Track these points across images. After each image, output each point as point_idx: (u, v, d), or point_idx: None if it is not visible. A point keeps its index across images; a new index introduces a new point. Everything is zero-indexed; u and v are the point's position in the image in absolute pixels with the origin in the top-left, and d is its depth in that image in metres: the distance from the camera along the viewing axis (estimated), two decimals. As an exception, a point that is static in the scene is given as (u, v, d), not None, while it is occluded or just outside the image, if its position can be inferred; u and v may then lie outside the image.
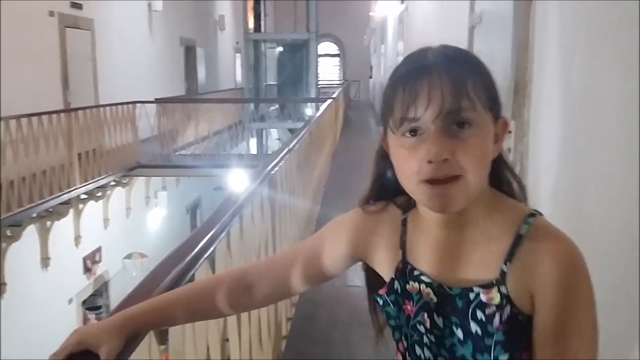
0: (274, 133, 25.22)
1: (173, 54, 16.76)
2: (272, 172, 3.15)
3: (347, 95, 22.40)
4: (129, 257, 11.07)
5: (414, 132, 0.86)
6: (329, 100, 10.21)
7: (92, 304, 10.19)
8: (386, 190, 1.01)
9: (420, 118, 0.84)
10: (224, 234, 1.87)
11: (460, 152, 0.83)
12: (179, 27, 17.24)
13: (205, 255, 1.59)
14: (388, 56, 16.33)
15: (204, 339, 1.77)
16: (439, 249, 0.93)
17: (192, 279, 1.42)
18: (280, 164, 3.50)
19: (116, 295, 10.97)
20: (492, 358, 0.85)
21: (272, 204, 3.17)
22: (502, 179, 0.96)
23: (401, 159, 0.88)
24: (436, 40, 1.11)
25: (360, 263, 1.07)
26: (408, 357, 0.96)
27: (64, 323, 9.19)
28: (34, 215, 7.60)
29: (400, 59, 0.98)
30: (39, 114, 7.71)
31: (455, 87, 0.83)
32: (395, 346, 1.00)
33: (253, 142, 20.60)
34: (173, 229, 14.13)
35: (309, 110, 23.35)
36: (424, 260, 0.94)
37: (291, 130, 24.13)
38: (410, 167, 0.86)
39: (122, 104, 10.34)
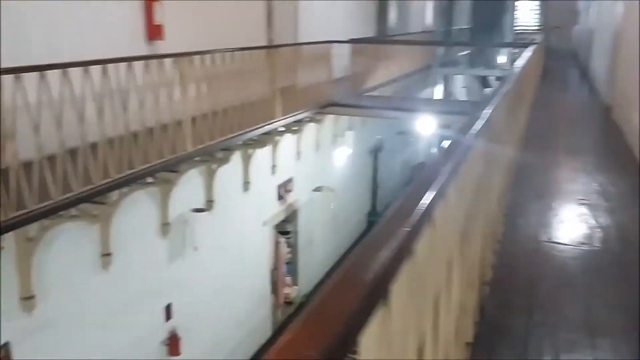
0: (459, 81, 24.32)
1: (368, -5, 16.76)
2: (485, 120, 3.05)
3: (546, 43, 20.60)
4: (318, 189, 11.71)
5: None
6: (532, 46, 9.47)
7: (282, 228, 11.08)
8: None
9: None
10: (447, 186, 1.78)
11: None
12: (376, -33, 17.10)
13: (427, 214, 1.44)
14: (604, 0, 14.56)
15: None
16: None
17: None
18: (492, 112, 3.37)
19: (304, 223, 11.78)
20: None
21: (486, 152, 3.10)
22: None
23: None
24: None
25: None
26: None
27: (259, 241, 10.17)
28: (240, 142, 8.35)
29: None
30: (247, 49, 8.26)
31: None
32: None
33: (439, 88, 20.09)
34: (356, 168, 14.60)
35: (501, 58, 21.99)
36: None
37: (484, 79, 23.07)
38: None
39: (319, 42, 10.69)
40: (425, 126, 12.36)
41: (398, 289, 1.20)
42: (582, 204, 5.47)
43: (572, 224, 5.19)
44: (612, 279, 4.33)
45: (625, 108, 8.37)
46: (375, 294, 1.05)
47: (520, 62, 7.16)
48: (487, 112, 3.08)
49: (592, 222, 5.09)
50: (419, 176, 1.85)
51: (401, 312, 1.28)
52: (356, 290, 0.99)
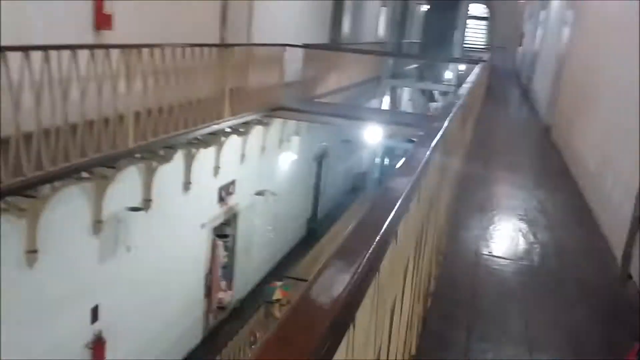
0: (406, 93, 24.79)
1: (322, 2, 16.80)
2: (443, 132, 3.03)
3: (491, 62, 21.33)
4: (260, 193, 11.55)
5: None
6: (481, 64, 9.72)
7: (221, 231, 10.83)
8: None
9: None
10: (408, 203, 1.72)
11: None
12: (331, -25, 17.17)
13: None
14: (549, 25, 15.16)
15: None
16: None
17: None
18: (446, 125, 3.36)
19: (243, 227, 11.58)
20: None
21: (441, 164, 3.08)
22: None
23: None
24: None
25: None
26: None
27: (195, 244, 9.90)
28: (185, 141, 8.10)
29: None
30: (199, 45, 8.06)
31: None
32: None
33: (387, 99, 20.37)
34: (300, 174, 14.52)
35: (448, 74, 22.56)
36: None
37: (430, 93, 23.53)
38: None
39: (273, 45, 10.57)
40: (371, 135, 12.46)
41: (363, 309, 1.12)
42: (522, 219, 5.60)
43: (512, 239, 5.30)
44: (549, 295, 4.43)
45: (565, 129, 8.71)
46: (343, 319, 0.96)
47: (471, 78, 7.30)
48: (444, 124, 3.07)
49: (531, 238, 5.21)
50: (382, 189, 1.77)
51: (365, 329, 1.22)
52: (323, 317, 0.89)
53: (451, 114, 3.30)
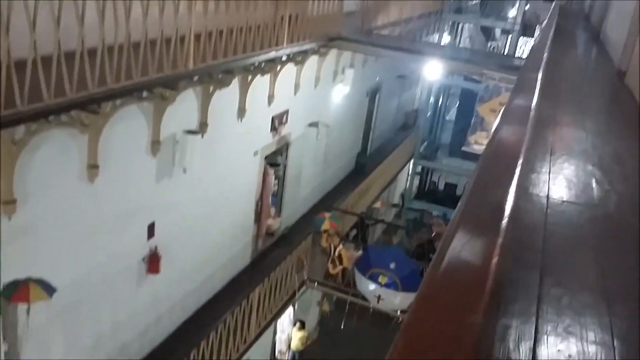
0: (466, 30, 23.75)
1: None
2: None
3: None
4: (313, 124, 11.48)
5: None
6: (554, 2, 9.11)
7: (272, 160, 10.90)
8: None
9: None
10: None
11: None
12: None
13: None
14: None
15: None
16: None
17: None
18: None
19: (294, 157, 11.62)
20: None
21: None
22: None
23: None
24: None
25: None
26: None
27: (247, 170, 10.01)
28: (242, 66, 8.02)
29: None
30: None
31: None
32: None
33: (447, 35, 19.60)
34: (352, 108, 14.32)
35: (512, 12, 21.42)
36: None
37: (489, 30, 22.42)
38: None
39: (333, -29, 10.17)
40: (428, 71, 12.05)
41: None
42: (595, 165, 5.34)
43: (585, 186, 5.08)
44: (626, 245, 4.28)
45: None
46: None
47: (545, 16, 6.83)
48: (539, 75, 2.89)
49: (606, 185, 4.99)
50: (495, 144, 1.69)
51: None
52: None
53: (543, 64, 3.09)
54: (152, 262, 7.69)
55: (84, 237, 6.49)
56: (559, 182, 4.80)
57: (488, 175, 1.53)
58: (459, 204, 1.59)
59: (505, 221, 1.26)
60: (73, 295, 6.40)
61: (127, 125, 6.60)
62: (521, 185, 1.36)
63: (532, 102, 2.20)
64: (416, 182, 21.73)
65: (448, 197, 20.77)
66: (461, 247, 1.14)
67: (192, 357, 7.54)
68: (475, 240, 1.22)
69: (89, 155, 6.07)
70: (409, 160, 19.18)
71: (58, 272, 5.94)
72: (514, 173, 1.47)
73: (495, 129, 2.52)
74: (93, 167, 6.14)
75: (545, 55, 3.53)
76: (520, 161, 1.52)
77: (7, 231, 5.33)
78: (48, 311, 5.95)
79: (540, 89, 2.60)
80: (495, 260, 1.07)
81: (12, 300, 5.38)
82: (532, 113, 2.04)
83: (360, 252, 10.71)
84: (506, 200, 1.30)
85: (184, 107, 7.51)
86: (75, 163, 6.05)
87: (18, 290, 5.35)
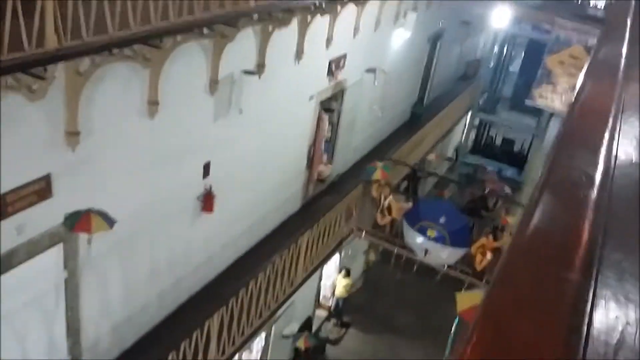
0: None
1: None
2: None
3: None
4: (371, 70, 11.18)
5: None
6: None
7: (327, 105, 10.74)
8: None
9: None
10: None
11: None
12: None
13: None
14: None
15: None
16: None
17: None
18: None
19: (349, 103, 11.41)
20: None
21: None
22: None
23: None
24: None
25: None
26: None
27: (302, 115, 9.90)
28: (302, 6, 7.78)
29: None
30: None
31: None
32: None
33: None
34: (412, 54, 13.85)
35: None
36: None
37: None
38: None
39: None
40: (495, 17, 11.41)
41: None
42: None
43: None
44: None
45: None
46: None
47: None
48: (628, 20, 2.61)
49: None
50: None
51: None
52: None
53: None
54: (207, 200, 7.78)
55: (142, 173, 6.59)
56: (628, 141, 4.48)
57: (576, 132, 1.45)
58: (546, 160, 1.59)
59: (598, 180, 1.26)
60: (131, 228, 6.56)
61: (187, 63, 6.54)
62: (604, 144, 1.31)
63: (621, 54, 1.98)
64: (472, 135, 21.16)
65: (504, 153, 20.18)
66: (551, 206, 1.14)
67: (240, 296, 7.71)
68: (565, 200, 1.16)
69: (150, 91, 6.07)
70: (467, 113, 18.61)
71: (117, 205, 6.07)
72: (604, 133, 1.42)
73: (582, 83, 2.32)
74: (154, 104, 6.15)
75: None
76: (610, 122, 1.43)
77: (69, 163, 5.45)
78: (107, 242, 6.13)
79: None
80: (589, 219, 1.08)
81: (75, 230, 5.55)
82: (621, 67, 1.85)
83: (410, 204, 10.57)
84: (597, 162, 1.29)
85: (243, 46, 7.38)
86: (137, 98, 6.07)
87: (80, 220, 5.50)
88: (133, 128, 6.22)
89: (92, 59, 4.84)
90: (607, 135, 1.43)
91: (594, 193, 1.21)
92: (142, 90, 6.04)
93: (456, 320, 9.83)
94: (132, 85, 5.92)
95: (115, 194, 6.21)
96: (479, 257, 9.82)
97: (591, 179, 1.31)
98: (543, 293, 0.84)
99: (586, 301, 0.85)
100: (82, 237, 5.76)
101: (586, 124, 1.47)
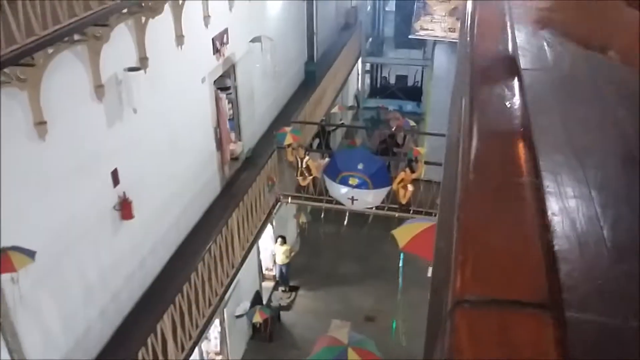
0: None
1: None
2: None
3: None
4: (256, 39, 11.13)
5: None
6: None
7: (222, 84, 10.63)
8: None
9: None
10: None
11: None
12: None
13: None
14: None
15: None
16: None
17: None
18: None
19: (243, 77, 11.35)
20: None
21: None
22: None
23: None
24: None
25: None
26: None
27: (199, 99, 9.77)
28: (170, -10, 7.61)
29: None
30: None
31: None
32: None
33: None
34: (291, 15, 13.88)
35: None
36: None
37: None
38: None
39: None
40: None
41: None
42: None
43: (537, 49, 5.12)
44: (583, 101, 4.41)
45: None
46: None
47: None
48: None
49: (558, 47, 5.05)
50: None
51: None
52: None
53: None
54: (124, 208, 7.61)
55: (48, 196, 6.32)
56: (527, 49, 4.84)
57: (479, 48, 1.52)
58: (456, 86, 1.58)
59: (517, 88, 1.30)
60: (52, 255, 6.34)
61: (67, 73, 6.27)
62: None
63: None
64: (367, 80, 21.64)
65: (400, 89, 20.85)
66: (485, 121, 1.20)
67: (184, 291, 7.69)
68: (496, 113, 1.24)
69: (34, 112, 5.80)
70: (357, 60, 18.96)
71: (31, 235, 5.84)
72: (507, 44, 1.48)
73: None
74: (41, 124, 5.89)
75: None
76: (509, 34, 1.52)
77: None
78: (32, 276, 5.89)
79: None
80: (524, 126, 1.14)
81: (-3, 272, 5.31)
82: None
83: (326, 160, 10.81)
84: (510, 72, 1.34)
85: (120, 44, 7.15)
86: (22, 123, 5.78)
87: (0, 262, 5.27)
88: (26, 153, 5.94)
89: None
90: (510, 46, 1.51)
91: (518, 101, 1.25)
92: (26, 113, 5.75)
93: (402, 256, 10.25)
94: (13, 111, 5.62)
95: (27, 224, 5.96)
96: (401, 192, 10.26)
97: (512, 89, 1.34)
98: (505, 203, 0.88)
99: (543, 199, 0.90)
100: (5, 277, 5.52)
101: (487, 39, 1.54)
